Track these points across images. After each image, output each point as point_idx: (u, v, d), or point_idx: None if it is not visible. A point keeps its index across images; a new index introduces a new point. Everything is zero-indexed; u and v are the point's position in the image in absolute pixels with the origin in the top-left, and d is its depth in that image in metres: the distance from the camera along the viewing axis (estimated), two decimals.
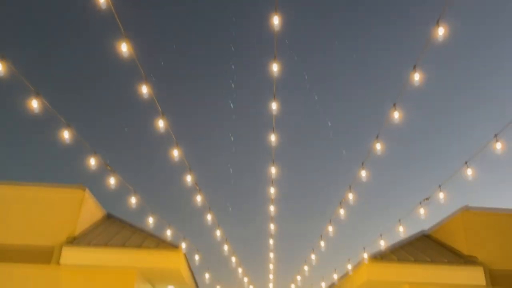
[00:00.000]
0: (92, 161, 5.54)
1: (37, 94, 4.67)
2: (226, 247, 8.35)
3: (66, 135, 5.05)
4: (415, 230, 11.85)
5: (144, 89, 4.71)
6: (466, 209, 10.26)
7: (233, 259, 9.19)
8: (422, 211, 7.81)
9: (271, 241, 8.67)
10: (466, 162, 5.45)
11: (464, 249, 9.90)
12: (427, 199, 7.26)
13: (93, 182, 10.68)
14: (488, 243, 9.81)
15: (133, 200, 6.97)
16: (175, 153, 5.60)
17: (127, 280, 9.16)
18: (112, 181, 6.20)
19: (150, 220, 7.89)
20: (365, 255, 8.63)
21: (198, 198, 7.11)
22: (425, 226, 11.42)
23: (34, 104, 4.63)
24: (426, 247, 10.39)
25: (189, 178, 6.53)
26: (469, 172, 5.33)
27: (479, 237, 9.97)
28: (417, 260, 9.61)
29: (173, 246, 9.80)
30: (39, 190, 10.00)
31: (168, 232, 8.73)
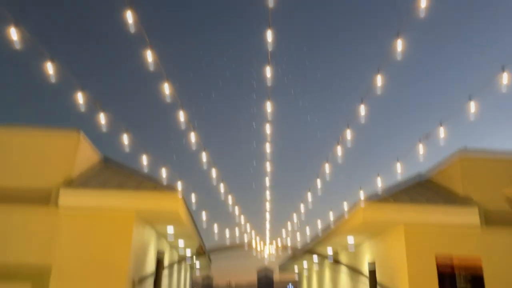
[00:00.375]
0: (80, 98, 5.30)
1: (16, 24, 4.35)
2: (222, 187, 8.34)
3: (50, 69, 4.78)
4: (413, 172, 11.90)
5: (130, 18, 4.40)
6: (464, 152, 10.21)
7: (230, 198, 9.23)
8: (421, 150, 7.71)
9: (267, 180, 8.65)
10: (469, 96, 5.24)
11: (460, 191, 9.96)
12: (427, 136, 7.15)
13: (84, 126, 10.52)
14: (484, 185, 9.86)
15: (125, 139, 6.80)
16: (166, 88, 5.35)
17: (125, 221, 9.27)
18: (102, 119, 6.00)
19: (144, 160, 7.79)
20: (361, 196, 8.67)
21: (192, 137, 6.96)
22: (423, 169, 11.45)
23: (14, 35, 4.32)
24: (422, 189, 10.45)
25: (181, 116, 6.33)
26: (472, 107, 5.14)
27: (476, 180, 10.00)
28: (412, 201, 9.69)
29: (170, 188, 9.84)
30: (34, 133, 9.90)
31: (164, 173, 8.70)
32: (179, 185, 8.79)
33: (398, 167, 8.01)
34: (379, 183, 8.43)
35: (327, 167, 7.84)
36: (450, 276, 8.94)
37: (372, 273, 9.43)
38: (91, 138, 10.60)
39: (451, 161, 10.51)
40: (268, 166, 8.04)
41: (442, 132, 6.69)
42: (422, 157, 7.75)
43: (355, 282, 12.10)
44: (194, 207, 11.23)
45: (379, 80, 5.39)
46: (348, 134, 6.73)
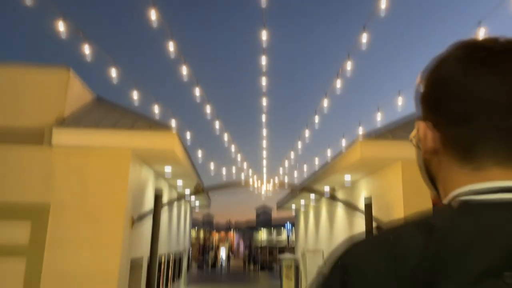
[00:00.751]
0: (61, 26, 4.93)
1: None
2: (217, 124, 8.15)
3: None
4: (412, 110, 11.70)
5: None
6: None
7: (225, 136, 9.09)
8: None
9: (263, 117, 8.46)
10: (479, 22, 4.91)
11: None
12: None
13: (75, 67, 10.11)
14: None
15: (113, 72, 6.50)
16: (153, 15, 4.96)
17: (122, 160, 9.21)
18: (87, 50, 5.66)
19: (135, 95, 7.52)
20: (360, 131, 8.53)
21: (184, 71, 6.66)
22: None
23: None
24: None
25: (171, 47, 5.98)
26: (481, 33, 4.82)
27: None
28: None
29: (165, 127, 9.68)
30: (22, 70, 9.56)
31: (157, 109, 8.47)
32: (173, 122, 8.59)
33: (400, 100, 7.78)
34: (379, 118, 8.24)
35: (325, 102, 7.61)
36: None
37: (368, 207, 9.55)
38: (82, 77, 10.27)
39: None
40: (264, 101, 7.80)
41: None
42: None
43: (351, 217, 12.35)
44: (189, 145, 11.14)
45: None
46: (348, 65, 6.43)
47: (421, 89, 0.70)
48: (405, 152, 9.41)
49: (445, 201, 0.65)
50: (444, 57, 0.68)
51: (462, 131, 0.63)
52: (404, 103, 7.56)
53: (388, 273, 0.54)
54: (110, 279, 8.50)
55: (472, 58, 0.64)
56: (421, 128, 0.69)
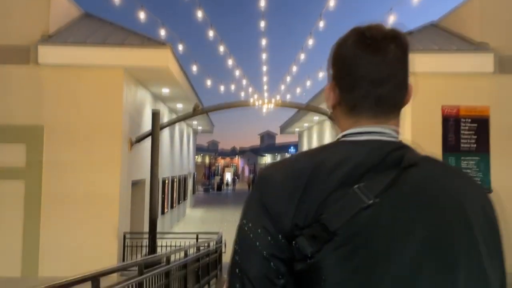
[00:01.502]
0: None
1: None
2: (211, 33, 7.46)
3: None
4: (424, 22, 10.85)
5: None
6: None
7: (221, 47, 8.44)
8: None
9: (262, 23, 7.73)
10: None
11: (476, 36, 9.09)
12: None
13: None
14: (502, 28, 8.93)
15: None
16: None
17: (114, 80, 8.71)
18: None
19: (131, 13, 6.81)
20: None
21: None
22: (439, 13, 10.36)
23: None
24: (434, 36, 9.57)
25: None
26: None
27: (494, 22, 9.05)
28: (424, 49, 8.91)
29: (159, 42, 9.04)
30: None
31: (142, 16, 7.77)
32: (162, 31, 7.93)
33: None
34: (390, 21, 7.50)
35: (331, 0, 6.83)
36: (455, 121, 8.66)
37: None
38: None
39: (469, 2, 9.39)
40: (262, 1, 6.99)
41: None
42: None
43: None
44: (184, 61, 10.52)
45: None
46: None
47: (329, 60, 0.95)
48: (417, 65, 8.78)
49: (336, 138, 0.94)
50: (345, 38, 0.92)
51: (348, 96, 0.91)
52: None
53: (287, 185, 0.82)
54: (111, 201, 8.43)
55: (360, 43, 0.88)
56: (327, 88, 0.96)
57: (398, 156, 0.83)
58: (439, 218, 0.79)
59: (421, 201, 0.80)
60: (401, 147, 0.86)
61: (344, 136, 0.90)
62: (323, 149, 0.88)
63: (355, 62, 0.87)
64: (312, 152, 0.87)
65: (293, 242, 0.78)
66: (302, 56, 8.34)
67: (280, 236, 0.79)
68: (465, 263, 0.78)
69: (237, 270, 0.82)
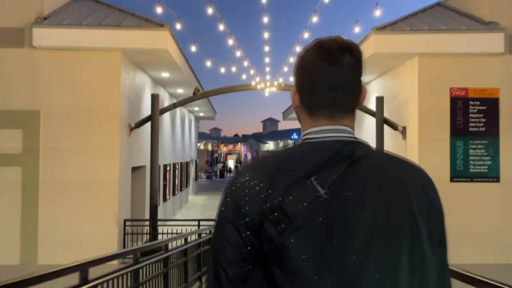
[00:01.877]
0: None
1: None
2: (210, 10, 7.16)
3: None
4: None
5: None
6: None
7: (221, 26, 8.13)
8: None
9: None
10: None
11: (485, 15, 8.76)
12: None
13: None
14: None
15: None
16: None
17: (112, 63, 8.46)
18: None
19: None
20: (377, 14, 7.54)
21: None
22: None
23: None
24: (442, 16, 9.23)
25: None
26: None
27: (504, 1, 8.72)
28: (431, 29, 8.60)
29: (157, 24, 8.75)
30: None
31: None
32: (159, 10, 7.63)
33: None
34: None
35: None
36: (463, 103, 8.39)
37: (380, 105, 8.89)
38: None
39: None
40: None
41: None
42: None
43: (360, 119, 11.80)
44: (185, 42, 10.20)
45: None
46: None
47: (294, 69, 1.08)
48: (424, 45, 8.50)
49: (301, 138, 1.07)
50: (307, 49, 1.06)
51: (308, 100, 1.04)
52: None
53: (257, 183, 0.93)
54: (111, 187, 8.26)
55: (319, 54, 1.01)
56: (292, 91, 1.08)
57: (349, 150, 0.95)
58: (385, 201, 0.92)
59: (368, 187, 0.92)
60: (352, 143, 0.98)
61: (305, 135, 1.03)
62: (288, 149, 1.01)
63: (315, 70, 1.01)
64: (279, 153, 1.00)
65: (261, 230, 0.90)
66: (306, 35, 8.03)
67: (249, 229, 0.92)
68: (408, 241, 0.90)
69: (212, 256, 0.96)
